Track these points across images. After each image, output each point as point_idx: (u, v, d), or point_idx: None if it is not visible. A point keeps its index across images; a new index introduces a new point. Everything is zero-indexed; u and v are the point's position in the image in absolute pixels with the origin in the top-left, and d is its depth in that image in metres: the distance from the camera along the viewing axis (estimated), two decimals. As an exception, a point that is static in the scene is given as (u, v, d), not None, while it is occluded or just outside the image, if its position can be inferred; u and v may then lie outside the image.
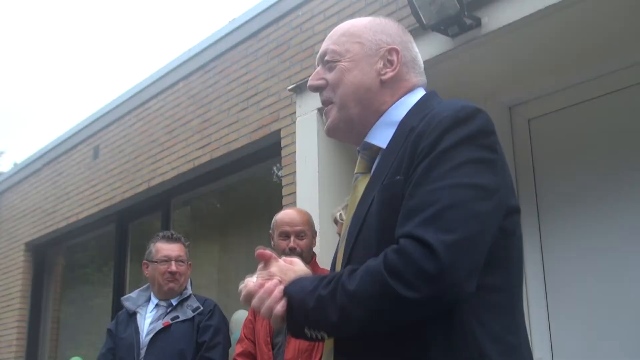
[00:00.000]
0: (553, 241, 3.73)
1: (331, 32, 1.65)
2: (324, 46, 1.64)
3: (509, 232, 1.38)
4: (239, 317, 5.04)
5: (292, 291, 1.39)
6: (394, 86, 1.56)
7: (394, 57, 1.56)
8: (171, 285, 3.45)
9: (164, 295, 3.48)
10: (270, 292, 1.40)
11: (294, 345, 3.05)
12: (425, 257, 1.21)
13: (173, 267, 3.44)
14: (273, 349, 3.14)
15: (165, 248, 3.49)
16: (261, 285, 1.43)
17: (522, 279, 1.45)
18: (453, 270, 1.21)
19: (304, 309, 1.35)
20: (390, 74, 1.55)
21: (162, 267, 3.44)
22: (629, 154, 3.54)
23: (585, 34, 3.41)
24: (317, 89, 1.63)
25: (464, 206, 1.26)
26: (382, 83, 1.55)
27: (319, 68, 1.64)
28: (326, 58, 1.61)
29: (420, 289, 1.21)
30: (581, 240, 3.63)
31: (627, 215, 3.49)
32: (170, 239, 3.55)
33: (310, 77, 1.63)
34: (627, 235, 3.47)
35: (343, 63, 1.57)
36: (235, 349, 3.34)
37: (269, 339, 3.15)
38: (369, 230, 1.41)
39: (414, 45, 1.63)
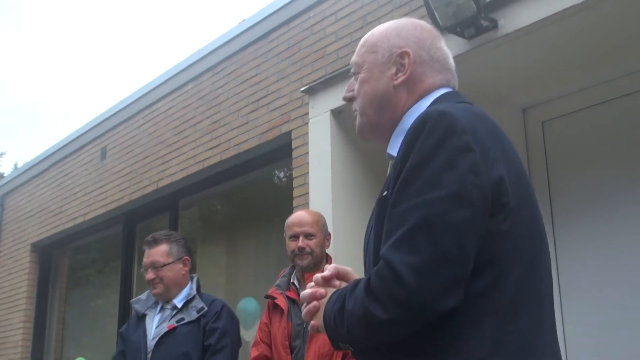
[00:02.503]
0: (567, 243, 3.72)
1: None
2: (352, 58, 1.70)
3: (496, 232, 1.34)
4: (245, 307, 5.05)
5: (326, 305, 1.45)
6: (410, 89, 1.57)
7: (405, 60, 1.57)
8: (154, 291, 3.40)
9: (160, 300, 3.46)
10: (313, 305, 1.48)
11: (314, 350, 3.03)
12: (394, 281, 1.26)
13: (148, 276, 3.38)
14: (291, 352, 3.12)
15: (145, 255, 3.45)
16: (312, 295, 1.49)
17: (530, 279, 1.38)
18: (422, 293, 1.24)
19: (328, 324, 1.42)
20: (401, 78, 1.56)
21: (145, 275, 3.42)
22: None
23: (601, 36, 3.40)
24: (349, 100, 1.70)
25: (434, 223, 1.27)
26: (396, 88, 1.57)
27: (352, 80, 1.69)
28: (352, 70, 1.68)
29: (394, 311, 1.27)
30: (596, 242, 3.62)
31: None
32: (147, 244, 3.46)
33: (345, 90, 1.70)
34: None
35: (362, 74, 1.63)
36: (251, 353, 3.31)
37: (287, 343, 3.13)
38: (370, 244, 1.49)
39: (437, 41, 1.62)
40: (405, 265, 1.25)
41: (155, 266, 3.38)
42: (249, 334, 4.93)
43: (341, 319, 1.37)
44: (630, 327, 3.42)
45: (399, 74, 1.57)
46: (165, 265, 3.38)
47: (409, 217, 1.30)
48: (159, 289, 3.38)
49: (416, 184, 1.32)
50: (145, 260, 3.43)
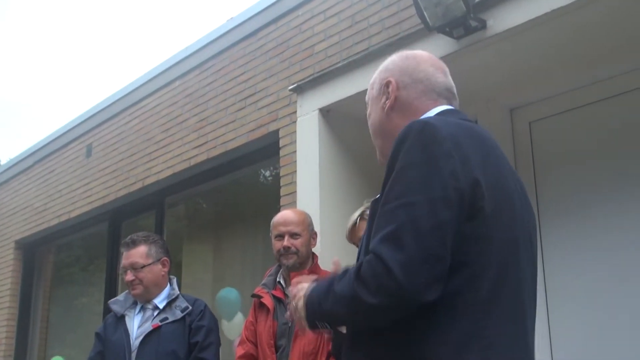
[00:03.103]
0: (554, 243, 3.73)
1: None
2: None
3: (472, 235, 1.47)
4: (225, 296, 5.05)
5: (311, 285, 1.64)
6: (402, 113, 1.75)
7: (389, 88, 1.77)
8: (133, 292, 3.41)
9: (139, 301, 3.45)
10: (295, 295, 1.68)
11: (299, 349, 3.04)
12: (384, 274, 1.41)
13: (127, 277, 3.39)
14: (277, 351, 3.12)
15: (123, 256, 3.46)
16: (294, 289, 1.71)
17: (507, 280, 1.51)
18: (410, 286, 1.39)
19: (310, 301, 1.60)
20: (388, 104, 1.76)
21: (124, 276, 3.42)
22: (631, 157, 3.55)
23: (589, 38, 3.42)
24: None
25: (420, 223, 1.42)
26: (387, 114, 1.77)
27: None
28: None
29: (382, 298, 1.42)
30: (582, 242, 3.64)
31: (629, 218, 3.49)
32: (126, 245, 3.47)
33: None
34: (629, 238, 3.48)
35: (368, 110, 1.87)
36: (237, 351, 3.31)
37: (272, 342, 3.13)
38: (365, 240, 1.65)
39: (421, 65, 1.79)
40: (395, 261, 1.40)
41: (134, 267, 3.39)
42: (229, 328, 4.91)
43: (326, 298, 1.54)
44: (615, 325, 3.44)
45: (387, 101, 1.77)
46: (145, 266, 3.40)
47: (396, 216, 1.44)
48: (138, 290, 3.39)
49: (403, 185, 1.47)
50: (124, 261, 3.43)
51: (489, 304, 1.46)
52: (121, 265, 3.46)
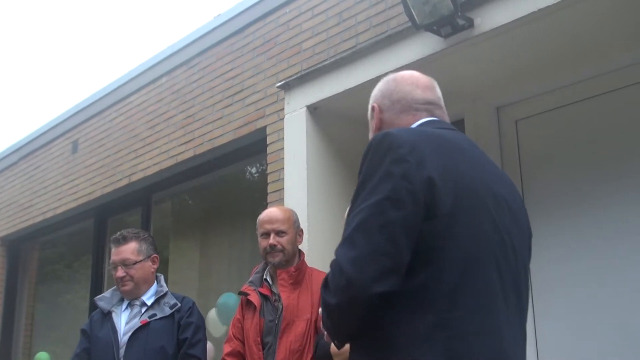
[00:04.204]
0: (539, 243, 3.73)
1: None
2: None
3: (432, 233, 1.57)
4: (225, 302, 5.05)
5: None
6: None
7: (374, 113, 1.94)
8: (123, 288, 3.39)
9: (128, 297, 3.44)
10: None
11: (285, 346, 3.04)
12: (338, 273, 1.56)
13: (118, 273, 3.37)
14: (263, 348, 3.12)
15: (113, 253, 3.44)
16: None
17: (474, 274, 1.59)
18: (358, 280, 1.52)
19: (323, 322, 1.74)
20: (374, 127, 1.94)
21: (114, 273, 3.41)
22: (616, 155, 3.58)
23: (575, 37, 3.44)
24: None
25: (370, 222, 1.56)
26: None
27: None
28: None
29: (339, 297, 1.57)
30: (567, 242, 3.66)
31: (614, 218, 3.52)
32: (117, 241, 3.45)
33: None
34: (614, 238, 3.50)
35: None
36: (224, 348, 3.31)
37: (259, 339, 3.13)
38: None
39: (399, 85, 1.94)
40: (345, 258, 1.56)
41: (126, 264, 3.38)
42: (224, 330, 4.91)
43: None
44: (599, 325, 3.46)
45: (374, 124, 1.94)
46: (136, 263, 3.39)
47: (353, 221, 1.60)
48: (128, 286, 3.38)
49: (362, 195, 1.62)
50: (115, 257, 3.41)
51: (455, 296, 1.55)
52: (111, 261, 3.44)
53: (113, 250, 3.45)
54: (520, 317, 1.72)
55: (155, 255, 3.49)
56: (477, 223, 1.63)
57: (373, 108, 1.96)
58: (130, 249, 3.41)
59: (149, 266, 3.44)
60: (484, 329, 1.57)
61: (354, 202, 1.64)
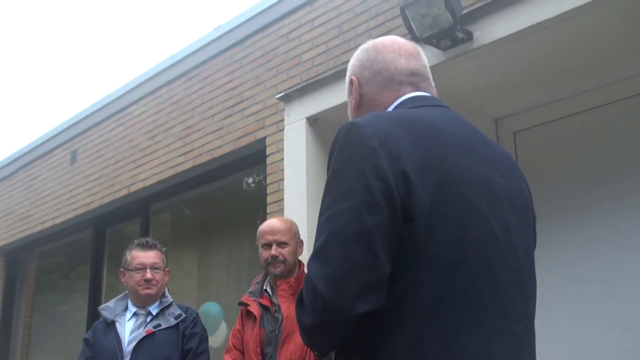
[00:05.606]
0: (538, 251, 3.76)
1: None
2: None
3: (410, 238, 1.35)
4: (207, 310, 5.04)
5: None
6: (369, 110, 1.64)
7: (353, 86, 1.70)
8: (147, 291, 3.43)
9: (142, 303, 3.46)
10: None
11: (285, 356, 3.05)
12: (312, 292, 1.36)
13: (148, 275, 3.42)
14: (263, 359, 3.13)
15: (140, 256, 3.48)
16: None
17: (459, 282, 1.36)
18: (336, 302, 1.32)
19: None
20: (352, 103, 1.70)
21: (138, 275, 3.43)
22: (613, 166, 3.60)
23: (572, 49, 3.47)
24: None
25: (344, 233, 1.34)
26: (356, 113, 1.68)
27: None
28: None
29: (315, 318, 1.37)
30: (566, 250, 3.67)
31: (611, 225, 3.54)
32: (145, 246, 3.52)
33: None
34: (611, 244, 3.53)
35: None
36: (224, 359, 3.31)
37: (259, 349, 3.14)
38: None
39: (379, 54, 1.68)
40: (319, 276, 1.34)
41: (155, 267, 3.46)
42: (212, 339, 4.91)
43: None
44: (599, 328, 3.48)
45: (353, 101, 1.70)
46: (162, 269, 3.51)
47: (324, 229, 1.38)
48: (153, 290, 3.45)
49: (331, 195, 1.40)
50: (145, 260, 3.47)
51: (436, 309, 1.34)
52: (137, 262, 3.46)
53: (138, 253, 3.49)
54: (526, 324, 1.48)
55: (167, 268, 3.61)
56: (464, 223, 1.40)
57: (351, 81, 1.71)
58: (158, 255, 3.51)
59: (165, 277, 3.56)
60: (473, 341, 1.35)
61: (323, 203, 1.43)
